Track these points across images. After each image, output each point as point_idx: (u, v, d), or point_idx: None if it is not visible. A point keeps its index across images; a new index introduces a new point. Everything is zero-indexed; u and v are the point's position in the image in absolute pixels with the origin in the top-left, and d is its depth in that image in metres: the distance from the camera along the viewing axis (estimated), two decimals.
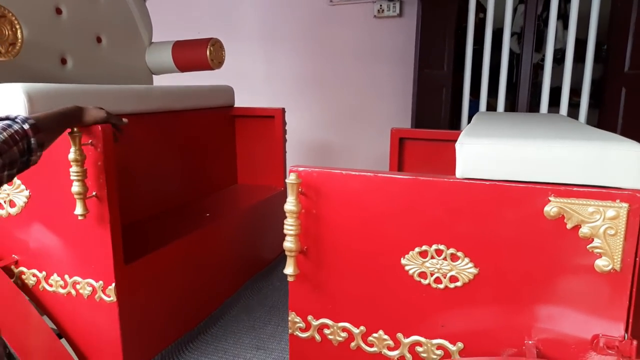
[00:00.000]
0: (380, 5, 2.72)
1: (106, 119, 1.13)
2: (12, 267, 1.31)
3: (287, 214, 0.96)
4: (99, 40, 1.98)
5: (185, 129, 1.88)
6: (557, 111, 2.55)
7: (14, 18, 1.22)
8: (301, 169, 0.99)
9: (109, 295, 1.21)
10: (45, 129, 0.93)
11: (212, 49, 2.14)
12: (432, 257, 0.91)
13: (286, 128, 2.21)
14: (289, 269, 0.97)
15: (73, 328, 1.28)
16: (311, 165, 1.00)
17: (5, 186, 1.26)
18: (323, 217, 0.99)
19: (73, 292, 1.25)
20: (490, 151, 0.85)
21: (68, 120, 1.05)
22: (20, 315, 1.21)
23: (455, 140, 1.32)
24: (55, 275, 1.27)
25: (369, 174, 0.94)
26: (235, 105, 2.23)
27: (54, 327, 1.27)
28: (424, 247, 0.92)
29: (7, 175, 0.85)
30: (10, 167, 0.84)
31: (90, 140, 1.14)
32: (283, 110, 2.13)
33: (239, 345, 1.42)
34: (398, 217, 0.93)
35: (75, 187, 1.11)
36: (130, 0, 2.14)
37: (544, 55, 2.67)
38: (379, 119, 2.90)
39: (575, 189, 0.81)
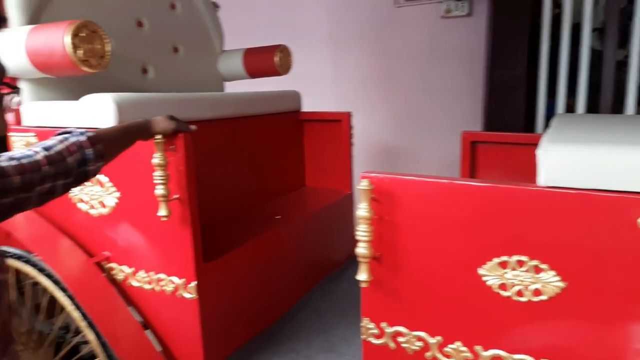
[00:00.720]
0: (448, 5, 2.66)
1: (174, 129, 1.18)
2: (104, 263, 1.41)
3: (359, 220, 0.96)
4: (175, 50, 2.10)
5: (255, 133, 1.94)
6: None
7: (102, 33, 1.31)
8: (373, 174, 0.99)
9: (190, 293, 1.27)
10: (106, 141, 0.96)
11: (280, 55, 2.19)
12: (513, 269, 0.88)
13: (353, 132, 2.22)
14: (362, 275, 0.98)
15: (157, 321, 1.36)
16: (383, 172, 0.99)
17: (97, 187, 1.37)
18: (397, 223, 0.98)
19: (157, 288, 1.33)
20: (577, 158, 0.81)
21: (134, 133, 1.10)
22: (111, 308, 1.30)
23: (532, 144, 1.26)
24: (142, 271, 1.35)
25: (444, 181, 0.92)
26: (303, 109, 2.27)
27: (140, 319, 1.36)
28: (504, 258, 0.89)
29: (62, 184, 0.87)
30: (66, 176, 0.87)
31: (172, 146, 1.21)
32: (350, 115, 2.14)
33: (310, 347, 1.44)
34: (475, 226, 0.90)
35: (159, 190, 1.18)
36: (204, 10, 2.24)
37: (628, 52, 2.48)
38: (447, 121, 2.83)
39: None
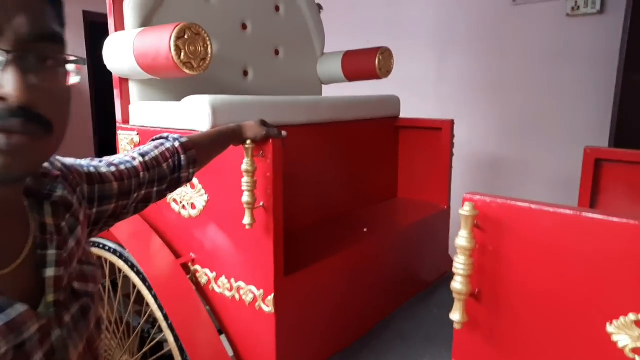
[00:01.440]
0: (576, 2, 2.35)
1: (265, 134, 1.14)
2: (190, 264, 1.43)
3: (458, 251, 0.83)
4: (276, 52, 2.09)
5: (350, 139, 1.86)
6: None
7: (206, 35, 1.32)
8: (478, 197, 0.85)
9: (268, 305, 1.23)
10: (198, 147, 0.95)
11: (381, 57, 2.09)
12: None
13: (454, 141, 2.04)
14: (456, 315, 0.84)
15: (234, 330, 1.34)
16: (491, 194, 0.85)
17: (188, 189, 1.38)
18: (503, 257, 0.83)
19: (237, 296, 1.31)
20: None
21: (226, 138, 1.08)
22: (191, 311, 1.31)
23: None
24: (223, 277, 1.34)
25: (568, 211, 0.76)
26: (403, 115, 2.15)
27: (217, 324, 1.35)
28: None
29: (156, 191, 0.86)
30: (160, 183, 0.86)
31: (261, 152, 1.17)
32: (452, 123, 1.97)
33: None
34: (606, 271, 0.73)
35: (245, 197, 1.15)
36: (307, 12, 2.21)
37: None
38: (566, 131, 2.51)
39: None
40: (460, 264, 0.83)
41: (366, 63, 2.13)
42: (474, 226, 0.84)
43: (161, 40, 1.27)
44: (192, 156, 0.93)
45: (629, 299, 0.71)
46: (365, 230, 1.68)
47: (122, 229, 1.40)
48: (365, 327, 1.55)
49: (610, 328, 0.73)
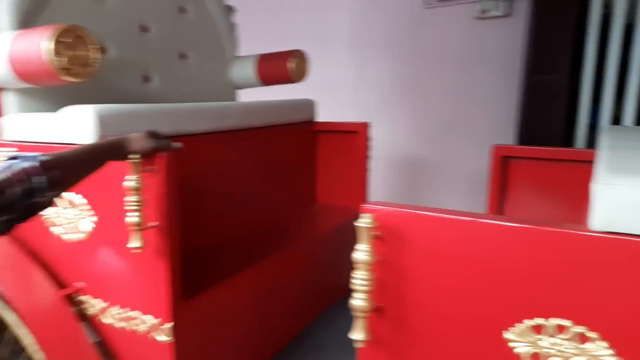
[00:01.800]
0: (483, 5, 2.43)
1: (154, 147, 1.02)
2: (75, 295, 1.27)
3: (357, 266, 0.77)
4: (183, 56, 1.96)
5: (264, 146, 1.78)
6: None
7: (91, 39, 1.18)
8: (378, 207, 0.80)
9: (165, 335, 1.11)
10: (64, 165, 0.81)
11: (295, 61, 2.03)
12: (551, 335, 0.67)
13: (372, 143, 2.03)
14: (357, 334, 0.79)
15: None
16: (392, 203, 0.80)
17: (71, 210, 1.22)
18: (405, 269, 0.79)
19: (130, 326, 1.17)
20: None
21: (104, 154, 0.94)
22: (75, 347, 1.16)
23: (573, 161, 1.03)
24: (116, 307, 1.20)
25: (467, 218, 0.72)
26: (320, 119, 2.10)
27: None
28: (539, 320, 0.68)
29: (5, 221, 0.72)
30: (10, 211, 0.72)
31: (152, 167, 1.05)
32: (367, 125, 1.95)
33: None
34: (503, 278, 0.70)
35: (132, 218, 1.03)
36: (217, 14, 2.10)
37: None
38: (478, 131, 2.60)
39: None
40: (360, 279, 0.77)
41: (280, 66, 2.06)
42: (374, 238, 0.79)
43: (38, 44, 1.12)
44: (54, 177, 0.79)
45: (523, 306, 0.69)
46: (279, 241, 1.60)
47: None
48: (281, 342, 1.47)
49: (508, 335, 0.71)
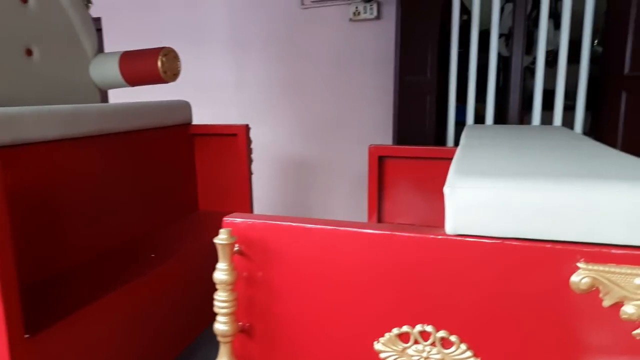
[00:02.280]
0: (356, 8, 2.49)
1: None
2: None
3: (218, 286, 0.70)
4: (29, 52, 1.71)
5: (132, 152, 1.62)
6: (550, 115, 2.34)
7: None
8: (239, 220, 0.74)
9: None
10: None
11: (164, 59, 1.88)
12: (416, 342, 0.67)
13: (253, 146, 1.96)
14: None
15: None
16: (253, 215, 0.75)
17: None
18: (272, 284, 0.74)
19: None
20: (491, 198, 0.61)
21: None
22: None
23: (443, 159, 1.05)
24: None
25: (328, 227, 0.69)
26: (204, 120, 1.98)
27: None
28: (405, 329, 0.67)
29: None
30: None
31: None
32: (247, 128, 1.88)
33: None
34: (369, 287, 0.68)
35: None
36: (68, 6, 1.87)
37: (534, 58, 2.45)
38: (359, 130, 2.66)
39: (614, 251, 0.57)
40: (221, 300, 0.70)
41: (148, 65, 1.89)
42: (236, 253, 0.73)
43: None
44: None
45: (390, 315, 0.67)
46: (152, 256, 1.47)
47: None
48: None
49: (378, 345, 0.69)
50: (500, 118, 2.49)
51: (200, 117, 2.17)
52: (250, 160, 1.94)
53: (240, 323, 0.76)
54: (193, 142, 1.98)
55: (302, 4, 2.62)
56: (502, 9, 2.58)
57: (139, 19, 3.06)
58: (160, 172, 1.78)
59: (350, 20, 2.54)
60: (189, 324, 1.53)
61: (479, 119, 2.51)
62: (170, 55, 1.92)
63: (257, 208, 2.43)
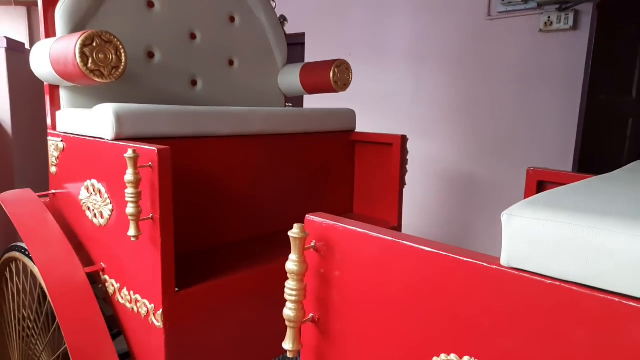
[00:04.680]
0: (549, 17, 2.26)
1: None
2: (100, 273, 1.41)
3: (288, 275, 0.78)
4: (231, 63, 2.08)
5: (296, 153, 1.82)
6: None
7: (119, 43, 1.31)
8: (317, 219, 0.80)
9: (158, 320, 1.19)
10: None
11: (336, 70, 2.05)
12: None
13: (408, 157, 1.98)
14: (288, 344, 0.79)
15: (134, 343, 1.31)
16: (332, 216, 0.80)
17: (98, 197, 1.37)
18: (339, 282, 0.78)
19: (135, 309, 1.28)
20: (553, 232, 0.53)
21: None
22: (87, 319, 1.28)
23: None
24: (125, 289, 1.32)
25: (387, 237, 0.70)
26: (374, 130, 2.10)
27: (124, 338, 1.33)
28: (452, 357, 0.64)
29: None
30: None
31: (149, 162, 1.14)
32: (403, 138, 1.91)
33: None
34: (421, 305, 0.67)
35: (129, 209, 1.12)
36: (266, 24, 2.20)
37: None
38: (535, 153, 2.41)
39: None
40: (290, 289, 0.78)
41: (322, 76, 2.09)
42: (309, 249, 0.80)
43: (68, 48, 1.27)
44: None
45: (439, 338, 0.65)
46: None
47: (26, 229, 1.40)
48: (278, 350, 1.49)
49: None
50: None
51: (375, 126, 2.28)
52: (404, 171, 1.97)
53: (311, 314, 0.82)
54: (354, 148, 2.10)
55: (489, 14, 2.51)
56: None
57: (336, 33, 3.36)
58: (321, 173, 1.95)
59: (541, 31, 2.32)
60: None
61: None
62: (342, 67, 2.09)
63: (412, 219, 2.43)
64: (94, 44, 1.27)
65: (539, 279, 0.54)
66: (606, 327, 0.50)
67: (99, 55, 1.29)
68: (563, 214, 0.54)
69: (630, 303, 0.48)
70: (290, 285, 0.78)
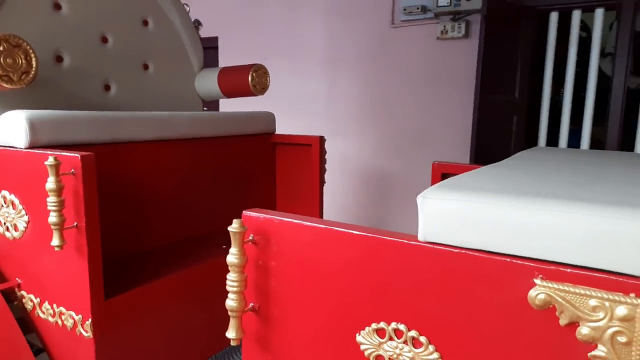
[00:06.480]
0: (445, 26, 2.50)
1: None
2: (16, 289, 1.33)
3: (230, 267, 0.83)
4: (145, 67, 2.05)
5: (218, 155, 1.84)
6: None
7: (28, 47, 1.26)
8: (250, 213, 0.86)
9: (87, 331, 1.17)
10: None
11: (254, 74, 2.10)
12: (391, 339, 0.72)
13: (326, 157, 2.09)
14: (231, 332, 0.84)
15: (59, 357, 1.26)
16: (265, 210, 0.86)
17: (10, 209, 1.29)
18: (277, 272, 0.84)
19: (59, 322, 1.23)
20: (457, 209, 0.65)
21: None
22: (7, 340, 1.22)
23: None
24: (46, 302, 1.26)
25: (319, 225, 0.78)
26: (293, 131, 2.17)
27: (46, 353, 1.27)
28: (382, 324, 0.73)
29: None
30: None
31: (72, 170, 1.12)
32: (321, 139, 2.01)
33: None
34: (352, 283, 0.76)
35: (53, 218, 1.09)
36: (180, 27, 2.19)
37: None
38: (441, 147, 2.66)
39: (570, 270, 0.58)
40: (232, 280, 0.82)
41: (240, 80, 2.13)
42: (248, 242, 0.85)
43: None
44: None
45: (369, 310, 0.74)
46: (224, 247, 1.66)
47: None
48: (219, 346, 1.52)
49: (359, 337, 0.76)
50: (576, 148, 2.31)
51: (293, 127, 2.35)
52: (323, 170, 2.07)
53: (252, 304, 0.88)
54: (275, 149, 2.17)
55: (392, 22, 2.71)
56: (610, 26, 2.41)
57: (249, 37, 3.39)
58: (244, 174, 1.99)
59: (438, 38, 2.56)
60: None
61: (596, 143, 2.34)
62: (260, 71, 2.14)
63: (333, 215, 2.55)
64: (1, 48, 1.21)
65: (450, 249, 0.65)
66: (503, 282, 0.62)
67: (7, 60, 1.23)
68: (465, 194, 0.65)
69: (518, 262, 0.61)
70: (231, 277, 0.83)
